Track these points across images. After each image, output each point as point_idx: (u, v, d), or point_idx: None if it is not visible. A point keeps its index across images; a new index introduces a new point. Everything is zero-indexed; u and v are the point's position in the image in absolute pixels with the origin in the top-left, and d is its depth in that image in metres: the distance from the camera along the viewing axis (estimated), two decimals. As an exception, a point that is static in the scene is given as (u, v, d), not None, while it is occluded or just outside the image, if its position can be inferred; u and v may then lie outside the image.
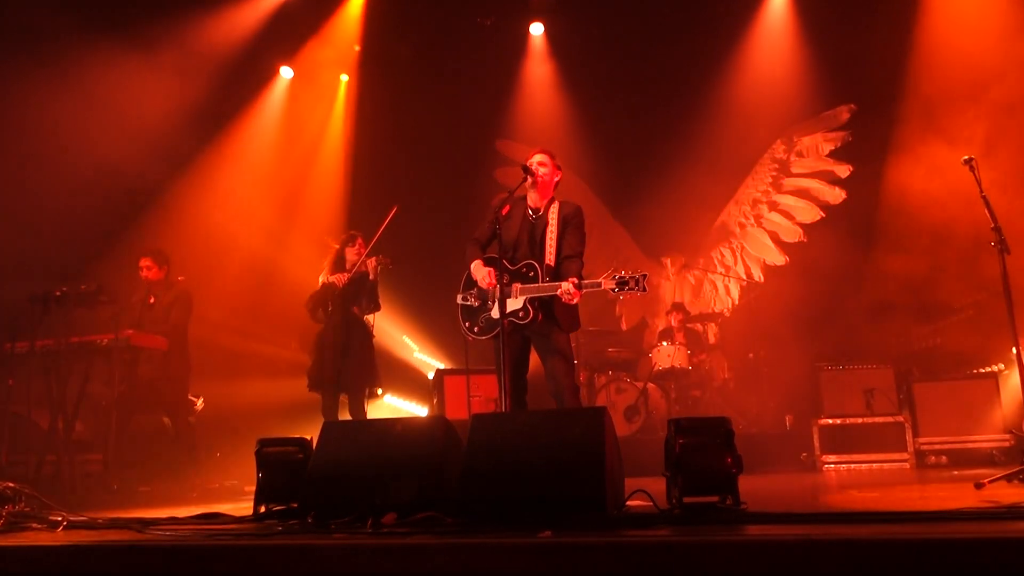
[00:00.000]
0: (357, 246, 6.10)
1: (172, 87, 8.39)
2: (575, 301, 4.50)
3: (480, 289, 4.73)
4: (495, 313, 4.54)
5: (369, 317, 6.10)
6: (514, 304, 4.52)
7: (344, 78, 10.21)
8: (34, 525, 3.38)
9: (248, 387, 8.73)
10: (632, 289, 4.41)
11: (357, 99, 10.10)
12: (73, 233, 7.44)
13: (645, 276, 4.42)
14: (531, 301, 4.53)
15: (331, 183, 9.82)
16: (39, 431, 5.80)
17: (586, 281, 4.50)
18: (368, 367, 6.00)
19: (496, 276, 4.50)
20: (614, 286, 4.43)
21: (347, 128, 10.04)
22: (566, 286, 4.41)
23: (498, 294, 4.35)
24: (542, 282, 4.56)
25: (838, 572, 2.09)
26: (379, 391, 6.11)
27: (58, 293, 5.68)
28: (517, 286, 4.56)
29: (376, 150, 9.79)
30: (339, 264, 6.09)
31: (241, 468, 6.41)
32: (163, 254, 6.56)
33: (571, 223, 4.73)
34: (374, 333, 6.16)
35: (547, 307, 4.58)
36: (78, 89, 7.75)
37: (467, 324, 4.77)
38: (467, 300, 4.79)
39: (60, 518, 3.40)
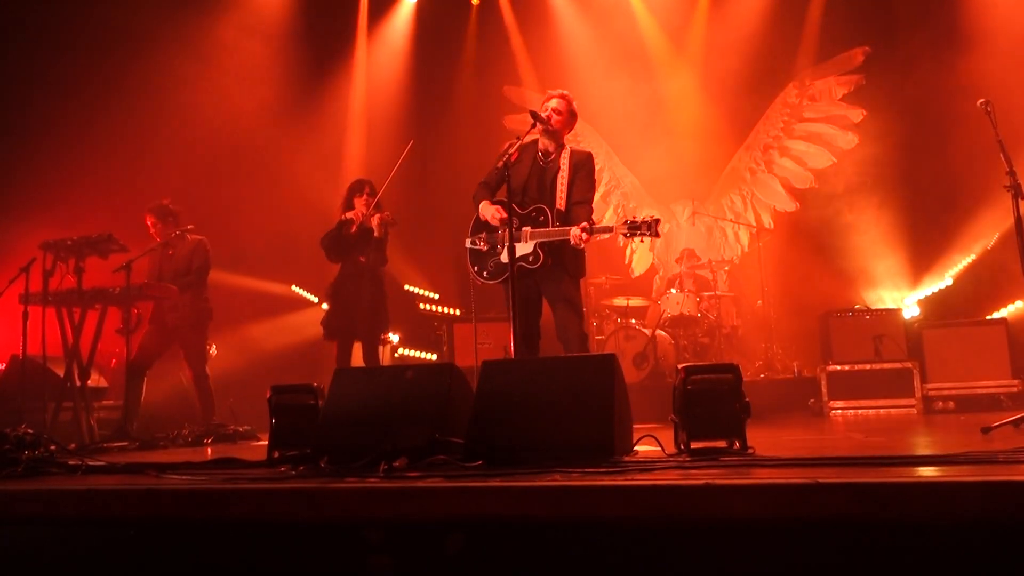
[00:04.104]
0: (365, 195, 6.08)
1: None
2: (583, 245, 4.49)
3: (489, 234, 4.69)
4: (504, 257, 4.52)
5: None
6: (524, 248, 4.48)
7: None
8: (53, 470, 3.44)
9: (263, 334, 8.80)
10: (644, 234, 4.37)
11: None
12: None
13: (658, 220, 4.38)
14: (541, 246, 4.50)
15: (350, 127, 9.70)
16: (55, 378, 5.89)
17: (598, 226, 4.46)
18: (380, 315, 6.05)
19: (505, 213, 4.43)
20: (626, 230, 4.39)
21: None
22: (576, 231, 4.38)
23: (507, 239, 4.32)
24: (552, 227, 4.53)
25: (845, 515, 2.12)
26: (392, 337, 6.17)
27: (70, 241, 5.70)
28: (527, 230, 4.52)
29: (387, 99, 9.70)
30: (347, 209, 6.10)
31: (255, 415, 6.49)
32: (165, 208, 6.52)
33: (582, 169, 4.69)
34: (385, 280, 6.19)
35: (557, 252, 4.55)
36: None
37: (475, 268, 4.75)
38: (476, 244, 4.75)
39: (78, 463, 3.46)
